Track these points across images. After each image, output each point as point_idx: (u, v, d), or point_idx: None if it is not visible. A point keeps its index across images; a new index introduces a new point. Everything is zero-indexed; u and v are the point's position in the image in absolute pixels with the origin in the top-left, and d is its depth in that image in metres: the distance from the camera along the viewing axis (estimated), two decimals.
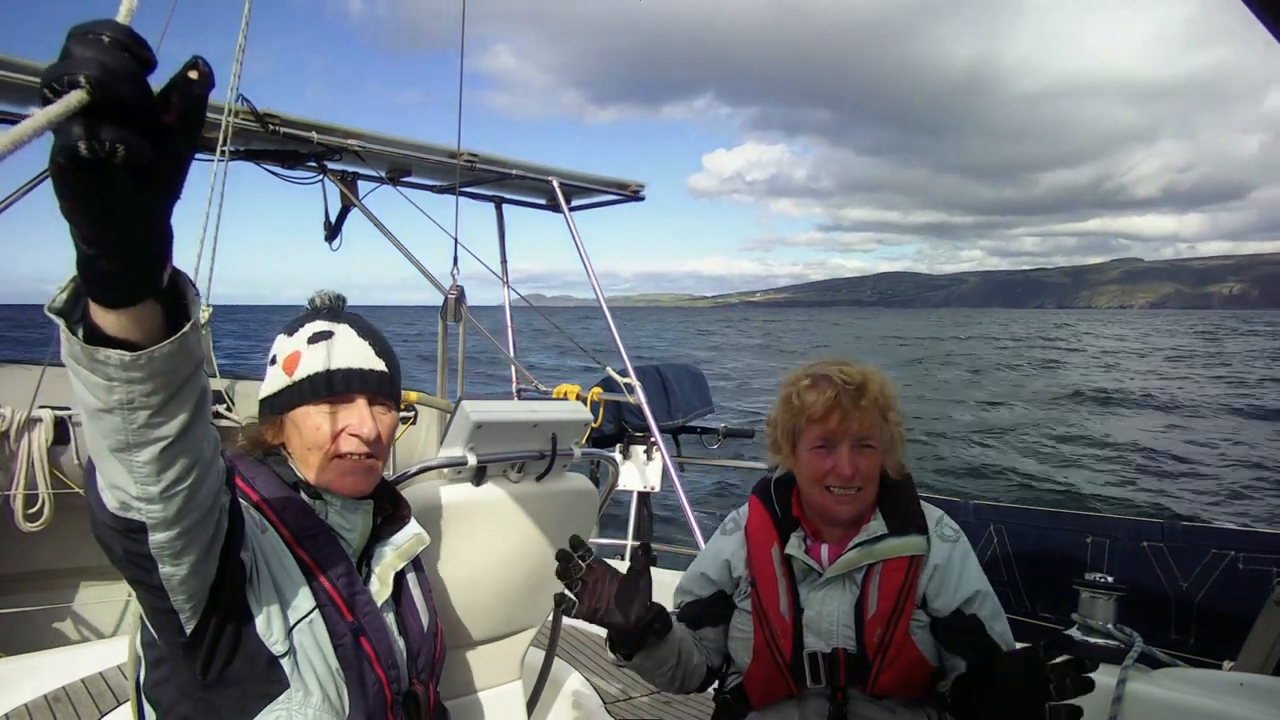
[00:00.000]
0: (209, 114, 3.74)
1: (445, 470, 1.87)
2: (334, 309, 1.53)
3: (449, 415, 1.89)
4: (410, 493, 1.87)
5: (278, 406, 1.45)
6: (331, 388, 1.43)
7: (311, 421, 1.43)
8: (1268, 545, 4.04)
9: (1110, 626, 2.56)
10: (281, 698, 1.29)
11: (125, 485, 0.99)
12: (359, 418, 1.44)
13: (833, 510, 1.85)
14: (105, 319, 0.86)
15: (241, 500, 1.31)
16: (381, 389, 1.47)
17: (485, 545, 2.01)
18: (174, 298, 0.92)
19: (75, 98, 0.67)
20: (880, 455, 1.86)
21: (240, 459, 1.44)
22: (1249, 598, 3.27)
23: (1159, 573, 4.20)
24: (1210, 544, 4.13)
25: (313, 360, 1.43)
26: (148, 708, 1.35)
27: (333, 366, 1.43)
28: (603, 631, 1.77)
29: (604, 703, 2.94)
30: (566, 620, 2.12)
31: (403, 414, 5.03)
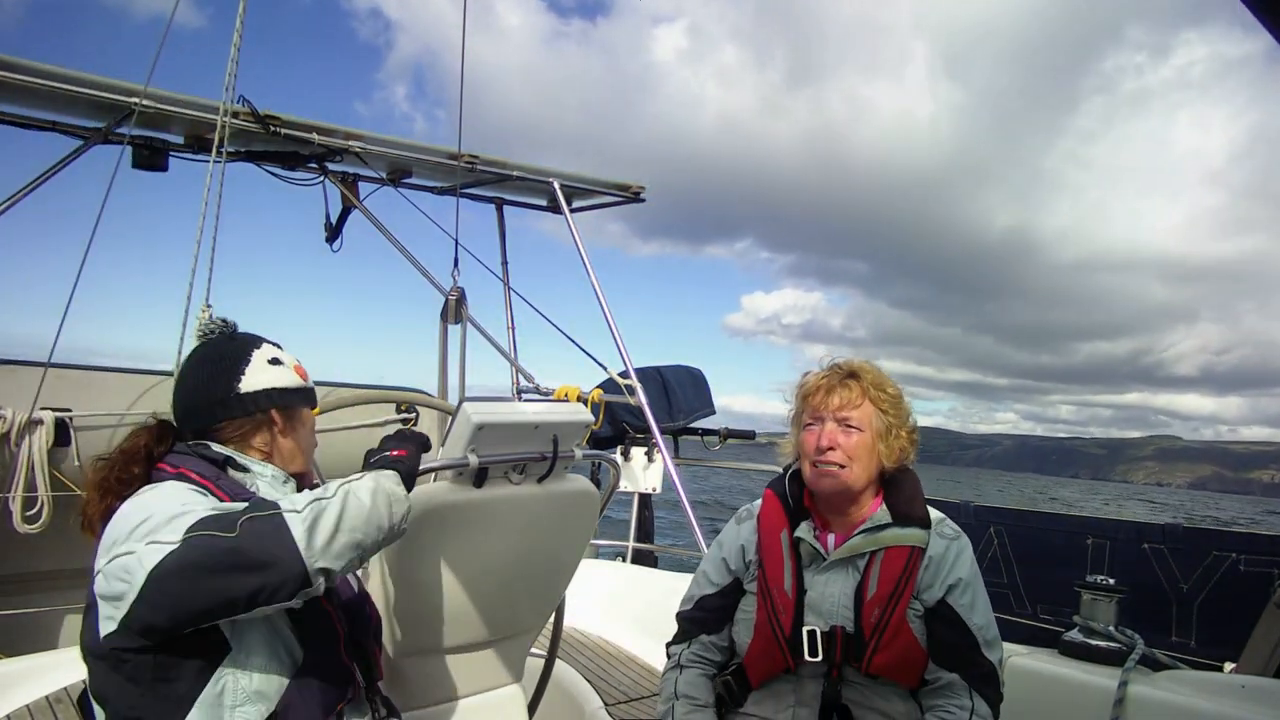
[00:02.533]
0: (208, 114, 3.76)
1: (446, 472, 1.87)
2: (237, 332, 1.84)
3: (450, 417, 1.89)
4: (411, 495, 1.87)
5: (291, 400, 1.72)
6: (317, 397, 1.85)
7: (311, 422, 1.79)
8: (1268, 547, 4.04)
9: (1111, 628, 2.56)
10: (225, 662, 1.41)
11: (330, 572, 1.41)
12: (314, 421, 1.83)
13: (816, 484, 1.97)
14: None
15: (188, 484, 1.52)
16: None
17: (486, 547, 2.00)
18: None
19: None
20: (869, 439, 1.96)
21: (178, 456, 1.60)
22: (1250, 600, 3.27)
23: (1160, 575, 4.20)
24: (1211, 546, 4.13)
25: (307, 376, 1.79)
26: (97, 709, 1.44)
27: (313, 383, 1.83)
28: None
29: (605, 704, 2.94)
30: (568, 623, 2.14)
31: (403, 415, 5.03)
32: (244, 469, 1.64)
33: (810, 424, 2.00)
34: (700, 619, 2.10)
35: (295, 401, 1.72)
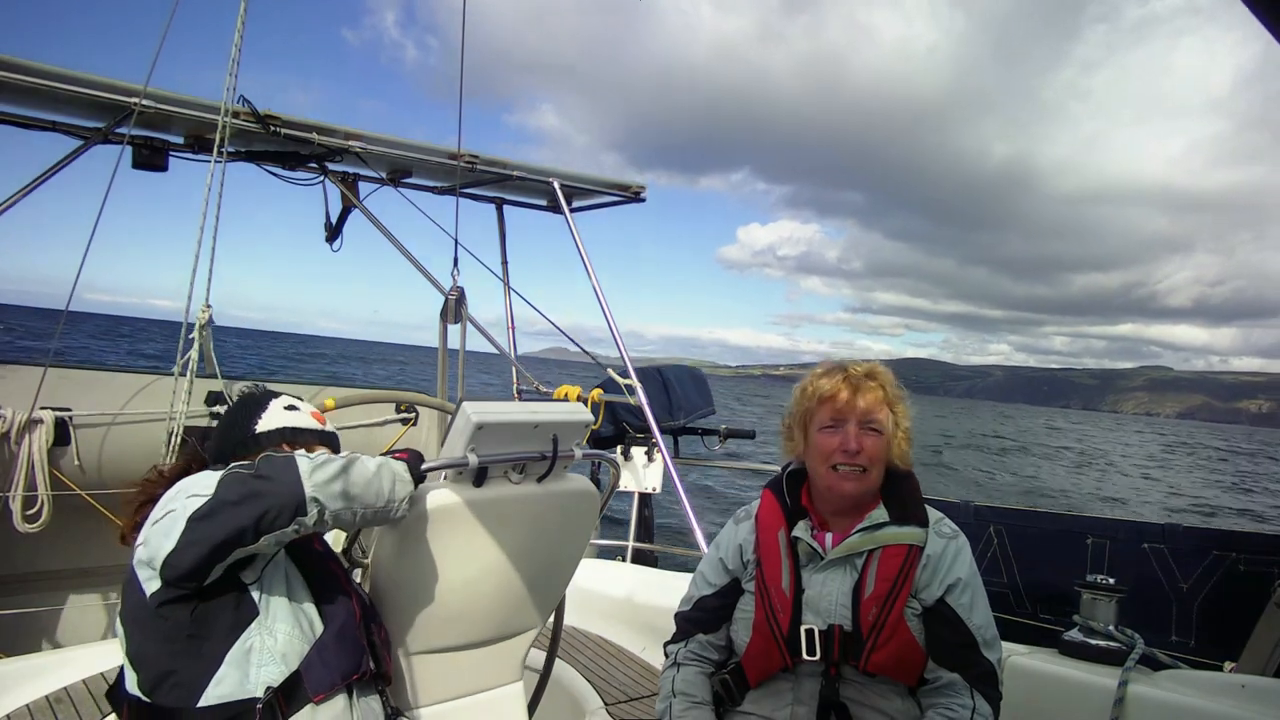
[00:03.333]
0: (208, 115, 3.76)
1: (446, 472, 1.87)
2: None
3: (450, 416, 1.89)
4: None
5: (302, 437, 1.91)
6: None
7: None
8: (1268, 547, 4.04)
9: (1111, 628, 2.56)
10: (253, 625, 1.57)
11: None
12: None
13: (838, 488, 1.96)
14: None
15: None
16: None
17: (486, 546, 2.01)
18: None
19: None
20: (886, 441, 1.98)
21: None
22: (1250, 599, 3.27)
23: (1160, 574, 4.20)
24: (1211, 545, 4.13)
25: (323, 420, 2.02)
26: (129, 671, 1.57)
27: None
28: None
29: (605, 704, 2.94)
30: (568, 622, 2.14)
31: (403, 415, 5.03)
32: None
33: (830, 426, 1.99)
34: (697, 619, 2.11)
35: (307, 439, 1.90)
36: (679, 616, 2.16)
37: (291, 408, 1.93)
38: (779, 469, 2.19)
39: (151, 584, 1.53)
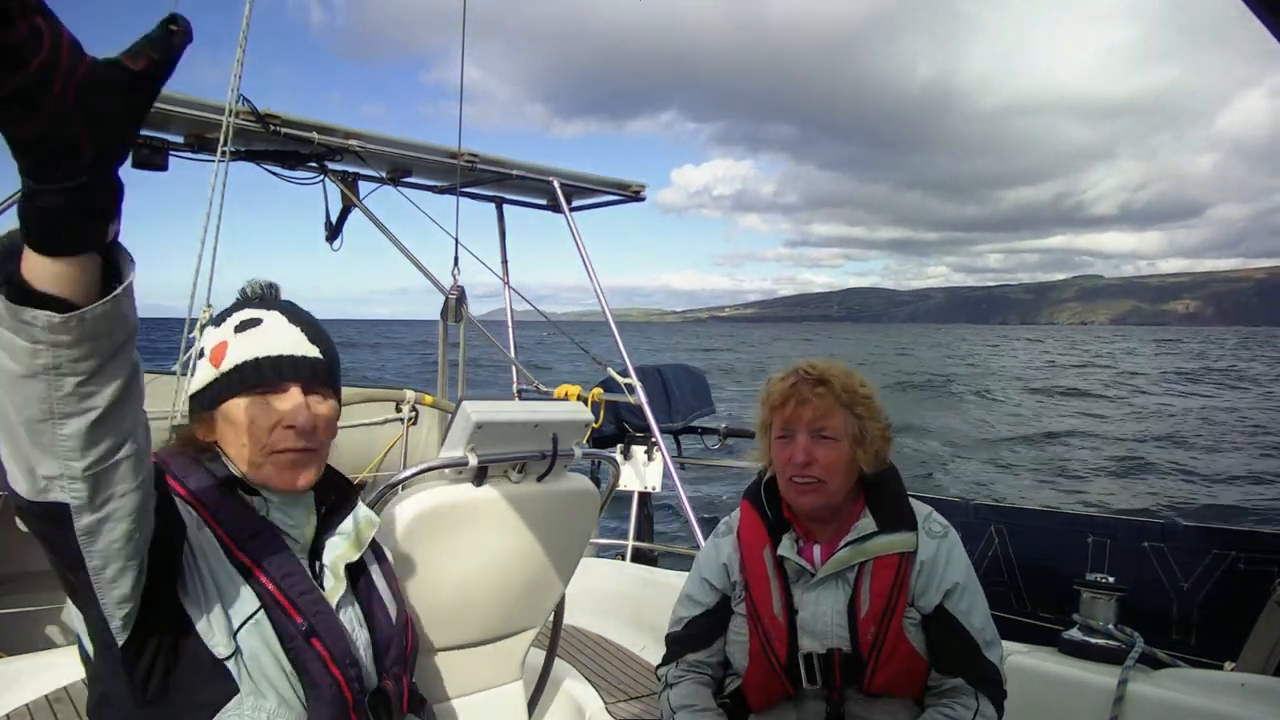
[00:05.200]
0: (210, 115, 3.76)
1: (446, 471, 1.87)
2: (265, 297, 1.45)
3: (450, 416, 1.89)
4: (411, 493, 1.87)
5: (207, 401, 1.35)
6: (261, 376, 1.33)
7: (244, 414, 1.33)
8: (1268, 545, 4.04)
9: (1111, 627, 2.56)
10: (232, 704, 1.24)
11: (42, 462, 0.94)
12: (293, 407, 1.34)
13: (795, 501, 1.88)
14: (40, 270, 0.84)
15: (175, 499, 1.26)
16: (316, 376, 1.38)
17: (486, 546, 2.01)
18: (111, 263, 0.90)
19: None
20: (846, 448, 1.85)
21: (172, 458, 1.36)
22: (1250, 598, 3.27)
23: (1160, 573, 4.20)
24: (1211, 544, 4.13)
25: (240, 349, 1.34)
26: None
27: (261, 354, 1.34)
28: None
29: (604, 704, 2.94)
30: (568, 621, 2.13)
31: (403, 415, 5.03)
32: (252, 490, 1.39)
33: (782, 437, 1.89)
34: (687, 638, 2.02)
35: (199, 406, 1.37)
36: (670, 638, 2.07)
37: (200, 353, 1.41)
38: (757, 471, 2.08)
39: None
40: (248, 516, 1.35)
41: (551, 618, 2.47)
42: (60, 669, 2.69)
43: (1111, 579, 2.64)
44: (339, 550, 1.45)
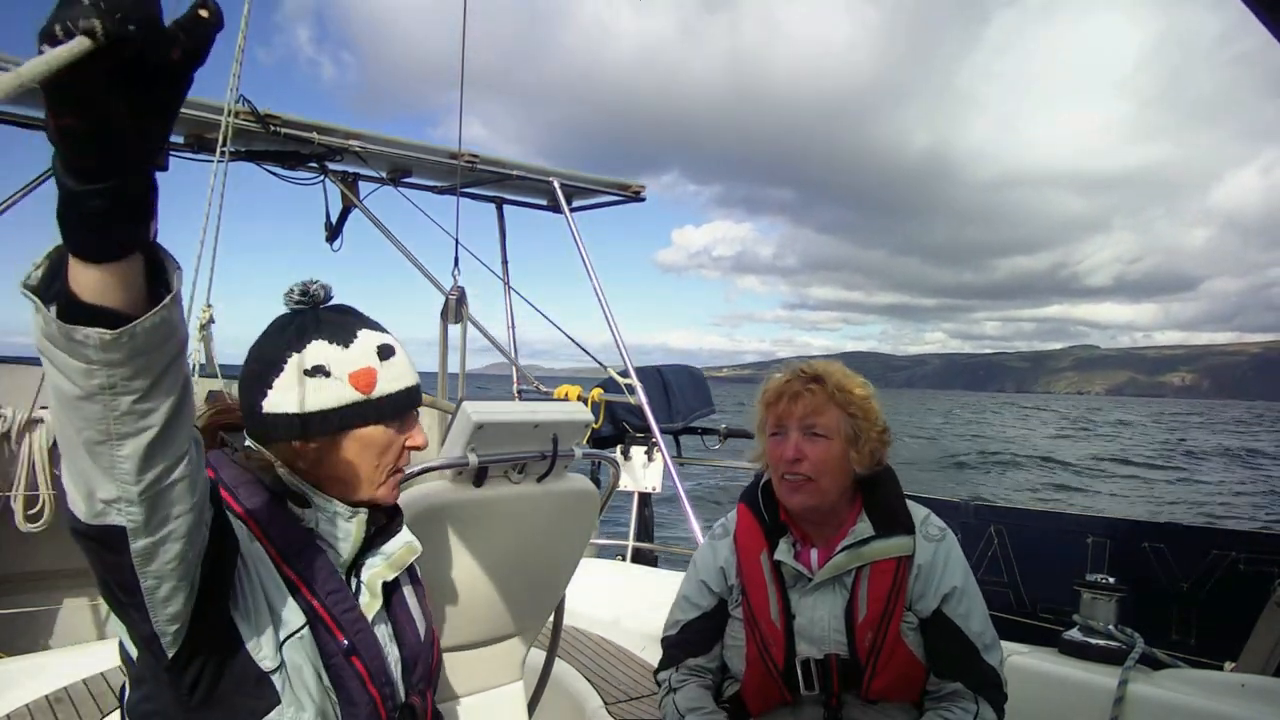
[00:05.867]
0: (209, 114, 3.76)
1: (446, 471, 1.87)
2: (345, 308, 1.46)
3: (450, 416, 1.89)
4: (411, 494, 1.87)
5: (343, 423, 1.36)
6: (410, 405, 1.42)
7: (384, 439, 1.39)
8: (1268, 546, 4.04)
9: (1111, 627, 2.56)
10: (272, 714, 1.25)
11: (102, 485, 0.93)
12: (417, 430, 1.45)
13: (786, 500, 1.87)
14: (87, 279, 0.82)
15: (228, 512, 1.27)
16: (421, 398, 1.49)
17: (486, 546, 2.01)
18: (154, 269, 0.88)
19: (82, 45, 0.67)
20: (838, 446, 1.84)
21: (223, 466, 1.36)
22: (1250, 598, 3.27)
23: (1160, 573, 4.20)
24: (1211, 545, 4.13)
25: (391, 378, 1.39)
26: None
27: (408, 385, 1.42)
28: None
29: (605, 704, 2.94)
30: (568, 622, 2.12)
31: None
32: (304, 502, 1.38)
33: (775, 433, 1.88)
34: (685, 642, 2.00)
35: (329, 426, 1.35)
36: (666, 642, 2.06)
37: (316, 371, 1.34)
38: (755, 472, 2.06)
39: None
40: (295, 530, 1.36)
41: (551, 618, 2.47)
42: (60, 669, 2.69)
43: (1111, 579, 2.64)
44: (376, 568, 1.48)
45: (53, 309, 0.82)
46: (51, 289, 0.84)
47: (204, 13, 0.76)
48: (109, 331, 0.82)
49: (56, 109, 0.74)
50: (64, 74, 0.69)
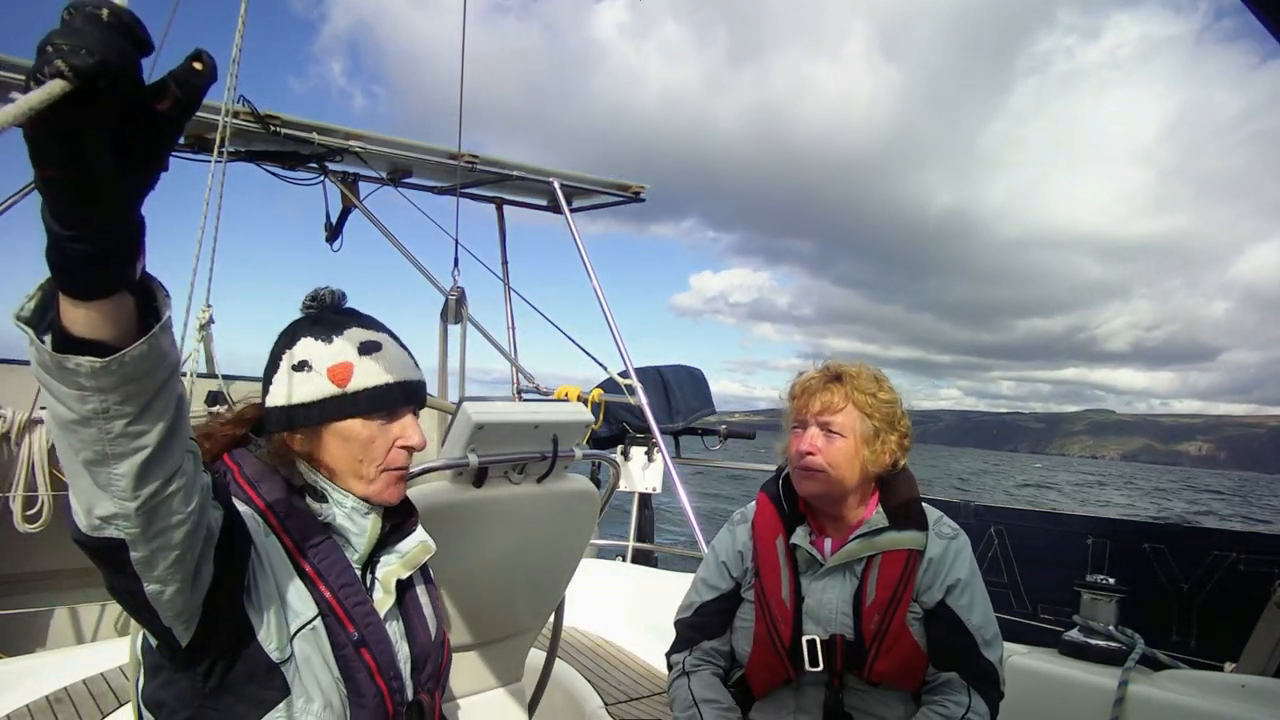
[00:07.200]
0: (208, 115, 3.76)
1: (446, 471, 1.87)
2: (350, 311, 1.50)
3: (450, 417, 1.89)
4: (411, 494, 1.87)
5: (319, 415, 1.38)
6: (390, 401, 1.41)
7: (364, 434, 1.39)
8: (1268, 547, 4.04)
9: (1111, 628, 2.56)
10: (281, 705, 1.28)
11: (100, 502, 0.97)
12: (410, 430, 1.43)
13: (798, 486, 1.94)
14: (76, 316, 0.84)
15: (244, 504, 1.31)
16: (421, 399, 1.48)
17: (486, 547, 2.01)
18: (145, 298, 0.90)
19: (57, 86, 0.67)
20: (852, 445, 1.89)
21: (245, 461, 1.40)
22: (1250, 599, 3.27)
23: (1160, 574, 4.20)
24: (1211, 545, 4.13)
25: (368, 373, 1.40)
26: (147, 714, 1.33)
27: (390, 380, 1.41)
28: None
29: (605, 704, 2.94)
30: (568, 623, 2.12)
31: None
32: (321, 496, 1.41)
33: (795, 427, 1.96)
34: (701, 624, 2.05)
35: (310, 419, 1.38)
36: (680, 624, 2.09)
37: (301, 366, 1.39)
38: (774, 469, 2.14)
39: None
40: (312, 523, 1.38)
41: (552, 618, 2.47)
42: (60, 669, 2.69)
43: (1112, 580, 2.65)
44: (390, 566, 1.49)
45: (46, 340, 0.85)
46: (45, 319, 0.87)
47: (198, 65, 0.77)
48: (99, 360, 0.85)
49: (39, 160, 0.75)
50: (41, 118, 0.68)
